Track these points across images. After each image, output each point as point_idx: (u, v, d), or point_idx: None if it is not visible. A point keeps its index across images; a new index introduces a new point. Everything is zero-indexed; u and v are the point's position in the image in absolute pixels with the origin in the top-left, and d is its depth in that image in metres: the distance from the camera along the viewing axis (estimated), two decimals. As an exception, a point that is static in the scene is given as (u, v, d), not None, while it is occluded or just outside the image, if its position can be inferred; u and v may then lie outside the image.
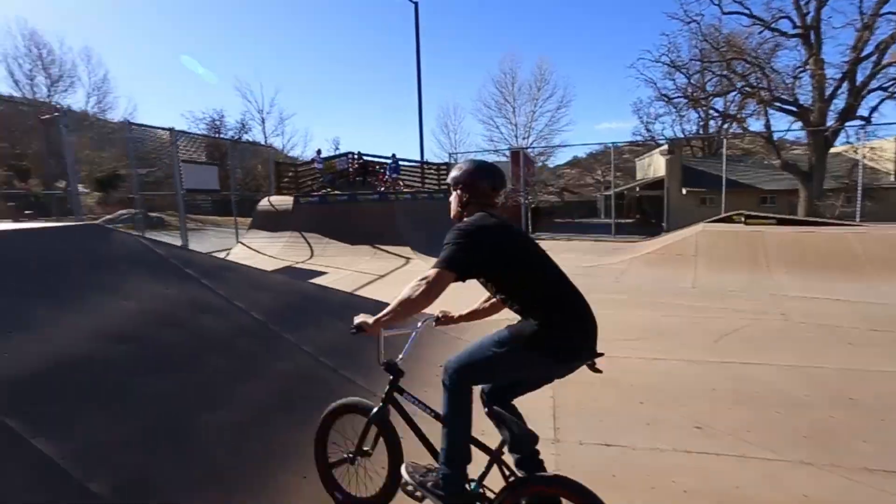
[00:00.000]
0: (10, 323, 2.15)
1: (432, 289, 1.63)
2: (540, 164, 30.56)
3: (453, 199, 1.87)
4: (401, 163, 16.91)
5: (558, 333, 1.55)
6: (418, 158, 18.07)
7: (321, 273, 8.95)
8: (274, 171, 14.23)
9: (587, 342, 1.59)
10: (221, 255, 11.70)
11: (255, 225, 12.75)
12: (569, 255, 10.33)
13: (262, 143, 38.63)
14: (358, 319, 1.74)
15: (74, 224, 3.26)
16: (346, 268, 9.43)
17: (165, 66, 56.11)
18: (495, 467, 1.63)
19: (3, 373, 1.88)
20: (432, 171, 16.83)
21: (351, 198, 12.34)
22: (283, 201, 12.88)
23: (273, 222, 12.55)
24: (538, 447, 1.68)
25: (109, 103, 32.46)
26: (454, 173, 1.86)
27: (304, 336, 3.33)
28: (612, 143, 23.95)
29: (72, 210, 7.90)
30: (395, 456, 1.83)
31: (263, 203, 13.22)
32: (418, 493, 1.71)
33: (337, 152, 18.18)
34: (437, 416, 1.75)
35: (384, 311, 1.70)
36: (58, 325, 2.28)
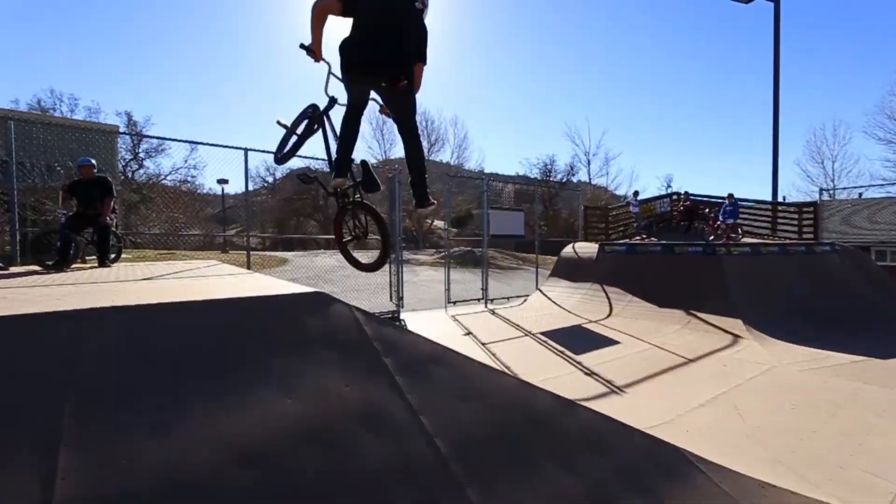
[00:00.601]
0: (160, 413, 1.92)
1: None
2: None
3: None
4: (742, 204, 13.43)
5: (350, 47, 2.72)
6: (768, 199, 13.97)
7: (612, 342, 7.48)
8: (582, 215, 13.55)
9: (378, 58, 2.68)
10: (518, 301, 11.69)
11: (557, 272, 12.27)
12: None
13: (586, 183, 39.26)
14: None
15: (299, 293, 2.99)
16: (645, 338, 7.62)
17: (507, 122, 65.23)
18: None
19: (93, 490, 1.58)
20: (790, 214, 12.63)
21: (665, 248, 10.28)
22: (588, 248, 11.96)
23: (574, 271, 11.77)
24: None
25: (467, 157, 39.85)
26: None
27: (502, 492, 2.22)
28: None
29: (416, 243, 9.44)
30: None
31: (567, 250, 12.65)
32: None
33: (667, 191, 16.06)
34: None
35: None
36: (193, 423, 1.95)
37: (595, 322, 9.06)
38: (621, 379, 5.57)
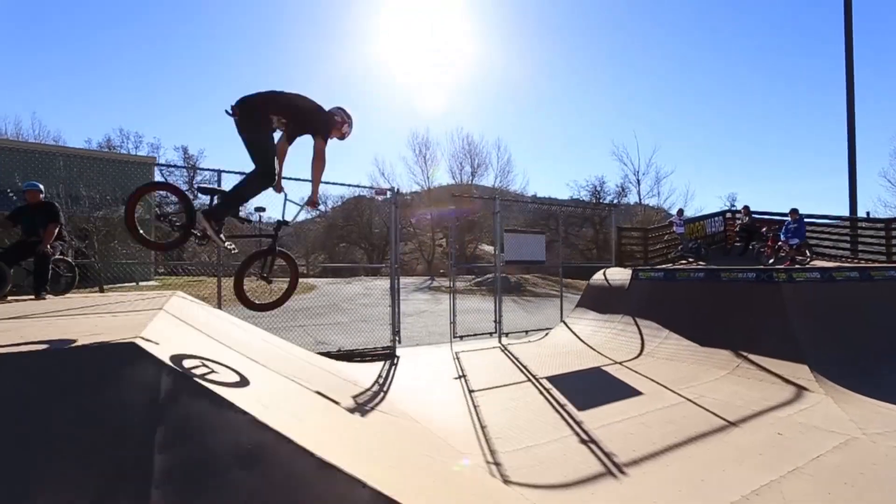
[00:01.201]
0: None
1: None
2: None
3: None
4: (812, 221, 11.39)
5: None
6: (846, 214, 11.80)
7: (634, 393, 5.98)
8: (616, 237, 11.93)
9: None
10: (540, 335, 10.27)
11: (585, 302, 10.75)
12: None
13: (636, 204, 36.82)
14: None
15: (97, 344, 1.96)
16: (677, 388, 6.05)
17: (553, 144, 63.61)
18: None
19: None
20: (875, 231, 10.48)
21: (710, 274, 8.59)
22: (621, 275, 10.39)
23: (605, 301, 10.22)
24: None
25: (511, 180, 38.90)
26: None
27: None
28: None
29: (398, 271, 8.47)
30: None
31: (597, 277, 11.11)
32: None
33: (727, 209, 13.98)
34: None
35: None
36: None
37: (620, 364, 7.52)
38: (628, 451, 4.14)
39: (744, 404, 5.37)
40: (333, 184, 8.48)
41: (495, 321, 9.89)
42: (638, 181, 35.10)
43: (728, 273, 8.34)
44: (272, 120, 3.33)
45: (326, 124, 3.59)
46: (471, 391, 6.13)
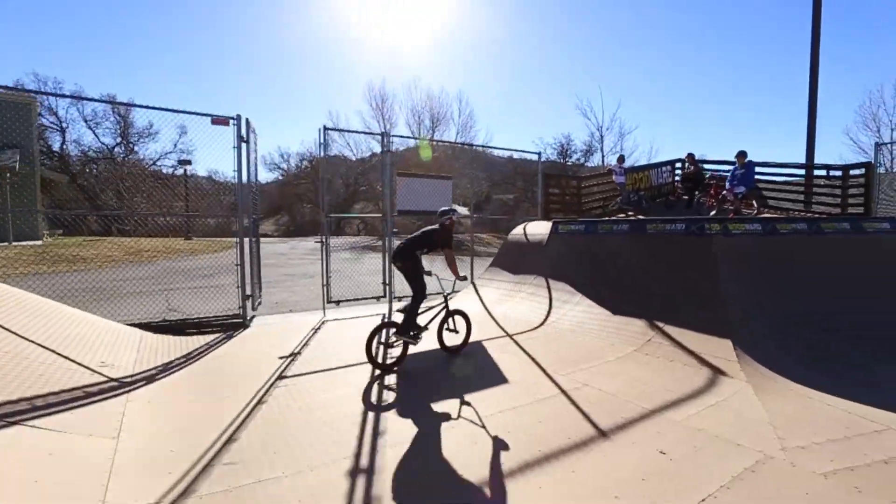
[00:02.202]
0: None
1: None
2: None
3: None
4: (764, 170, 9.99)
5: None
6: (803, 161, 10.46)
7: (499, 381, 4.42)
8: (542, 187, 10.24)
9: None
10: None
11: (499, 261, 9.17)
12: None
13: (601, 163, 35.32)
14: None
15: None
16: (564, 371, 4.54)
17: (517, 101, 61.19)
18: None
19: None
20: (831, 189, 9.17)
21: (635, 226, 7.05)
22: (541, 230, 8.78)
23: (520, 260, 8.65)
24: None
25: (473, 136, 36.78)
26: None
27: None
28: None
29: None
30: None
31: (516, 231, 9.49)
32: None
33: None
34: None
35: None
36: None
37: (511, 337, 6.00)
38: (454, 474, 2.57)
39: (635, 398, 3.88)
40: (140, 107, 6.37)
41: (384, 283, 8.23)
42: (601, 137, 33.39)
43: (654, 225, 6.80)
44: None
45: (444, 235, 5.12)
46: (281, 377, 4.48)
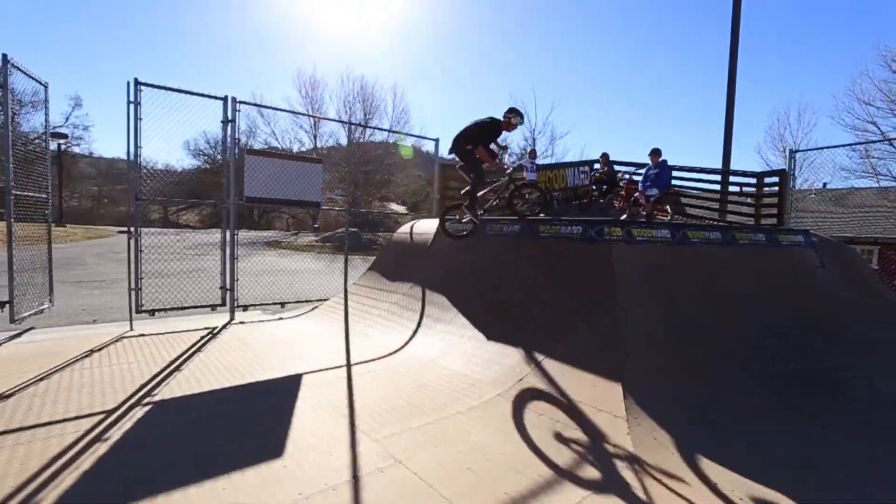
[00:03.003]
0: None
1: None
2: None
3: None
4: (679, 174, 9.17)
5: None
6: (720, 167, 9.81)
7: (264, 457, 2.83)
8: (438, 180, 8.80)
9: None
10: (304, 308, 7.03)
11: (378, 265, 7.62)
12: None
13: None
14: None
15: None
16: (371, 436, 3.04)
17: (454, 97, 60.52)
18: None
19: None
20: (746, 191, 8.46)
21: (526, 229, 5.75)
22: (429, 229, 7.33)
23: (400, 263, 7.14)
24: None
25: (409, 130, 35.36)
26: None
27: None
28: None
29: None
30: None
31: (402, 230, 8.00)
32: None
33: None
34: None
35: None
36: None
37: (355, 366, 4.44)
38: None
39: (459, 493, 2.44)
40: None
41: (223, 287, 6.41)
42: (534, 139, 32.89)
43: (548, 228, 5.53)
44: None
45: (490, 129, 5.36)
46: None
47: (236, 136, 6.28)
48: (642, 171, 8.69)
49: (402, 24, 57.24)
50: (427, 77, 61.87)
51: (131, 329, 5.60)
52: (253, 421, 3.22)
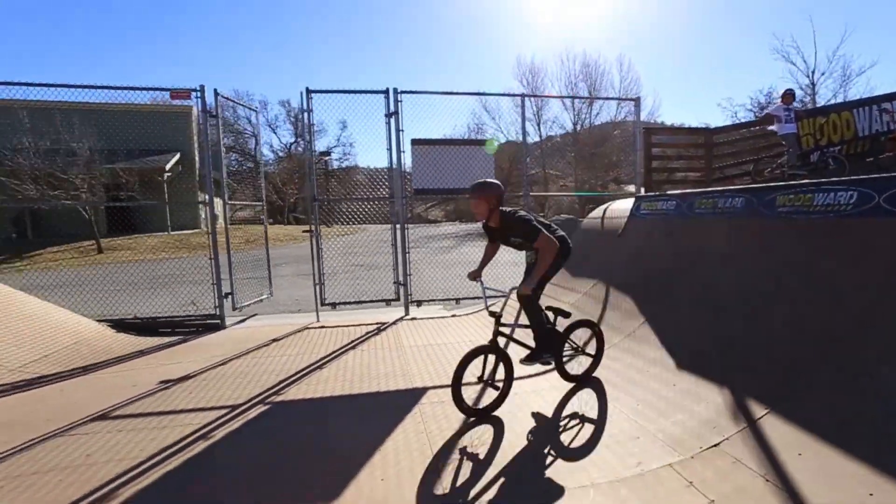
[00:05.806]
0: None
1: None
2: None
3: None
4: None
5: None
6: None
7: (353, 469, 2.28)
8: (641, 148, 6.82)
9: None
10: (479, 304, 6.55)
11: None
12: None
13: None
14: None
15: None
16: None
17: (694, 60, 50.82)
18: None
19: None
20: None
21: (752, 200, 3.82)
22: (621, 213, 5.84)
23: (585, 256, 5.87)
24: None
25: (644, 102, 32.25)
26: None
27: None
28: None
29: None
30: (508, 365, 3.11)
31: (593, 215, 6.60)
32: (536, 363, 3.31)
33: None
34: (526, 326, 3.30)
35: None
36: None
37: (430, 389, 3.64)
38: None
39: None
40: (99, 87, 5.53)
41: (396, 282, 6.38)
42: (813, 85, 24.95)
43: (792, 197, 3.53)
44: None
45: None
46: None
47: (400, 128, 6.12)
48: None
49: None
50: (656, 42, 54.25)
51: (317, 320, 6.06)
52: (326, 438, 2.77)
